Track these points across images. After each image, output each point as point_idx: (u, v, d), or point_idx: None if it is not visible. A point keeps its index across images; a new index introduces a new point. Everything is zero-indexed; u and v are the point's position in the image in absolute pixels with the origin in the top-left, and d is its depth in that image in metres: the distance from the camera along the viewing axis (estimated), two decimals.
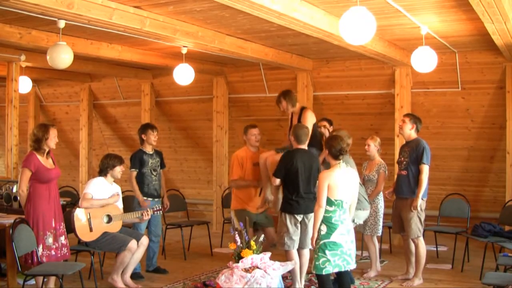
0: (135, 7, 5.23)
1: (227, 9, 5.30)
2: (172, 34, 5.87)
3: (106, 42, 7.29)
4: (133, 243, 5.71)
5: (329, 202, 4.74)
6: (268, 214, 6.19)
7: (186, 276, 6.48)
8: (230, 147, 9.65)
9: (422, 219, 5.97)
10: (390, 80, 8.38)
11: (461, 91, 7.99)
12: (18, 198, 5.54)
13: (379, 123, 8.77)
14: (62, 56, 5.75)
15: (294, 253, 5.45)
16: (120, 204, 5.95)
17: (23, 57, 7.61)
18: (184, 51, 7.15)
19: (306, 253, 5.55)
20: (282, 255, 5.53)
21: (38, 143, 5.13)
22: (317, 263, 4.76)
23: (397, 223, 6.20)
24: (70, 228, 5.55)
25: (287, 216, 5.41)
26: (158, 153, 6.71)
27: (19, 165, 6.73)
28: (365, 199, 6.04)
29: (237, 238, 5.04)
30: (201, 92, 10.11)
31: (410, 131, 6.07)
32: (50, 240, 5.10)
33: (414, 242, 6.00)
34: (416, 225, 5.92)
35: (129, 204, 6.60)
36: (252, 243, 5.01)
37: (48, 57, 5.77)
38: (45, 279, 5.13)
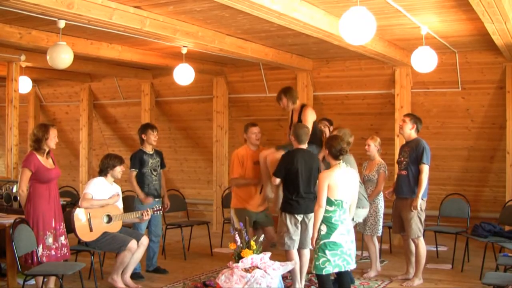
0: (135, 7, 5.23)
1: (227, 9, 5.30)
2: (172, 34, 5.87)
3: (106, 42, 7.29)
4: (133, 243, 5.71)
5: (329, 202, 4.74)
6: (268, 213, 6.19)
7: (186, 276, 6.48)
8: (230, 147, 9.65)
9: (422, 219, 5.97)
10: (390, 80, 8.38)
11: (461, 91, 7.99)
12: (18, 198, 5.54)
13: (379, 123, 8.77)
14: (62, 56, 5.75)
15: (294, 253, 5.45)
16: (120, 204, 5.95)
17: (23, 57, 7.61)
18: (184, 51, 7.15)
19: (307, 253, 5.55)
20: (282, 255, 5.53)
21: (38, 143, 5.13)
22: (317, 263, 4.76)
23: (397, 223, 6.20)
24: (70, 228, 5.56)
25: (287, 216, 5.41)
26: (158, 153, 6.71)
27: (19, 165, 6.73)
28: (364, 197, 6.04)
29: (237, 238, 5.04)
30: (201, 92, 10.11)
31: (410, 131, 6.07)
32: (50, 240, 5.10)
33: (414, 242, 6.00)
34: (416, 225, 5.92)
35: (129, 204, 6.61)
36: (252, 243, 5.01)
37: (48, 57, 5.77)
38: (45, 279, 5.13)
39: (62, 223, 5.29)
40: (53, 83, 11.51)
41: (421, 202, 5.89)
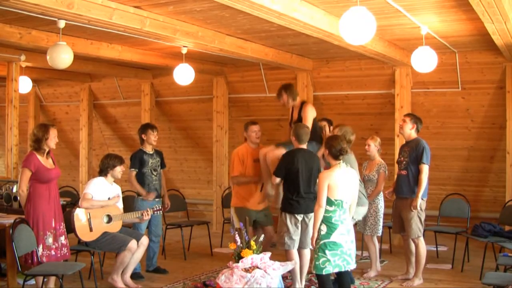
0: (135, 7, 5.23)
1: (227, 9, 5.30)
2: (172, 34, 5.87)
3: (106, 42, 7.29)
4: (133, 243, 5.71)
5: (329, 202, 4.74)
6: (267, 213, 6.18)
7: (186, 276, 6.48)
8: (230, 147, 9.64)
9: (422, 219, 5.97)
10: (390, 80, 8.38)
11: (461, 91, 7.99)
12: (18, 198, 5.54)
13: (379, 123, 8.77)
14: (62, 56, 5.75)
15: (294, 253, 5.45)
16: (120, 204, 5.95)
17: (23, 57, 7.61)
18: (184, 51, 7.15)
19: (307, 253, 5.55)
20: (282, 255, 5.53)
21: (38, 143, 5.13)
22: (317, 263, 4.76)
23: (397, 223, 6.20)
24: (70, 228, 5.56)
25: (288, 216, 5.42)
26: (159, 153, 6.71)
27: (19, 165, 6.73)
28: (364, 195, 6.02)
29: (237, 238, 5.04)
30: (201, 92, 10.11)
31: (410, 131, 6.07)
32: (50, 240, 5.10)
33: (414, 242, 6.00)
34: (416, 225, 5.92)
35: (129, 204, 6.61)
36: (252, 243, 5.01)
37: (48, 57, 5.77)
38: (45, 279, 5.13)
39: (62, 223, 5.28)
40: (53, 83, 11.51)
41: (421, 202, 5.89)
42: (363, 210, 6.04)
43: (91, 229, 5.66)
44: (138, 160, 6.42)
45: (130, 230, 6.11)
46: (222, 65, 9.38)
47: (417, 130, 6.10)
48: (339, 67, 8.66)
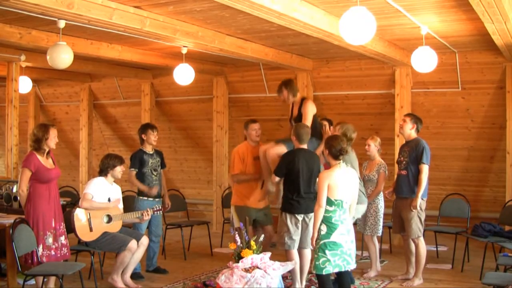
0: (135, 7, 5.23)
1: (227, 9, 5.30)
2: (172, 34, 5.87)
3: (106, 42, 7.29)
4: (133, 243, 5.71)
5: (329, 202, 4.74)
6: (268, 212, 6.18)
7: (186, 276, 6.48)
8: (230, 147, 9.64)
9: (422, 219, 5.97)
10: (390, 80, 8.38)
11: (461, 91, 7.99)
12: (18, 198, 5.54)
13: (379, 123, 8.77)
14: (62, 56, 5.75)
15: (295, 253, 5.45)
16: (120, 204, 5.95)
17: (23, 57, 7.61)
18: (184, 51, 7.15)
19: (308, 253, 5.54)
20: (282, 255, 5.52)
21: (38, 143, 5.13)
22: (317, 263, 4.76)
23: (397, 223, 6.20)
24: (70, 228, 5.55)
25: (288, 216, 5.41)
26: (159, 153, 6.70)
27: (19, 165, 6.74)
28: (363, 193, 6.01)
29: (237, 238, 5.04)
30: (201, 92, 10.11)
31: (410, 131, 6.07)
32: (50, 240, 5.10)
33: (414, 242, 6.00)
34: (417, 225, 5.92)
35: (129, 204, 6.61)
36: (252, 243, 5.01)
37: (48, 57, 5.77)
38: (45, 279, 5.13)
39: (62, 223, 5.28)
40: (53, 83, 11.51)
41: (421, 202, 5.89)
42: (362, 208, 6.03)
43: (91, 229, 5.66)
44: (138, 160, 6.42)
45: (130, 230, 6.11)
46: (222, 65, 9.38)
47: (417, 130, 6.10)
48: (339, 67, 8.66)
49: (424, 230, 6.26)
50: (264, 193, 6.01)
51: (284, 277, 5.61)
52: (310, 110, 5.94)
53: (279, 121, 9.28)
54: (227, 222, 8.07)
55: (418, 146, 5.92)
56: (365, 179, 6.48)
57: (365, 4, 4.49)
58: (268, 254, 5.07)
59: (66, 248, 5.26)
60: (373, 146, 6.52)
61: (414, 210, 5.88)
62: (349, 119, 8.67)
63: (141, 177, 6.41)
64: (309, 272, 5.74)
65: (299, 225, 5.43)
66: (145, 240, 5.94)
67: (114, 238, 5.71)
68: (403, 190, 6.03)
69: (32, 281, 5.34)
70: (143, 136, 6.50)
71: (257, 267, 4.87)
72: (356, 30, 4.34)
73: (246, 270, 4.83)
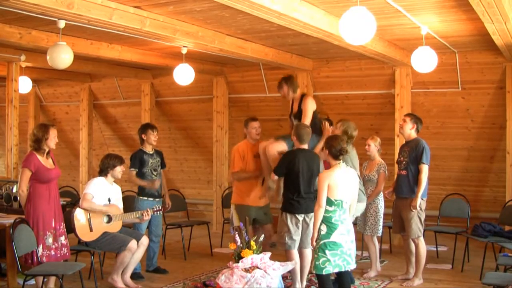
0: (135, 7, 5.23)
1: (227, 9, 5.30)
2: (172, 34, 5.87)
3: (106, 42, 7.29)
4: (133, 243, 5.71)
5: (329, 202, 4.73)
6: (268, 211, 6.17)
7: (186, 276, 6.48)
8: (230, 147, 9.61)
9: (422, 219, 5.97)
10: (390, 80, 8.38)
11: (461, 91, 7.99)
12: (18, 198, 5.54)
13: (379, 123, 8.77)
14: (62, 56, 5.75)
15: (295, 253, 5.45)
16: (120, 204, 5.95)
17: (23, 57, 7.61)
18: (184, 51, 7.15)
19: (308, 253, 5.53)
20: (282, 255, 5.52)
21: (38, 143, 5.13)
22: (317, 263, 4.76)
23: (397, 223, 6.20)
24: (70, 228, 5.55)
25: (288, 216, 5.41)
26: (159, 153, 6.70)
27: (19, 165, 6.74)
28: (362, 191, 6.01)
29: (237, 238, 5.04)
30: (201, 92, 10.11)
31: (410, 131, 6.07)
32: (50, 240, 5.10)
33: (414, 242, 6.00)
34: (417, 225, 5.92)
35: (129, 204, 6.60)
36: (252, 243, 5.01)
37: (48, 57, 5.77)
38: (45, 279, 5.13)
39: (62, 223, 5.28)
40: (53, 83, 11.51)
41: (421, 201, 5.89)
42: (361, 207, 6.02)
43: (91, 229, 5.66)
44: (138, 160, 6.42)
45: (130, 230, 6.11)
46: (222, 65, 9.38)
47: (417, 130, 6.10)
48: (339, 67, 8.66)
49: (424, 230, 6.26)
50: (264, 190, 5.99)
51: (284, 277, 5.61)
52: (310, 106, 5.94)
53: (279, 121, 9.27)
54: (227, 222, 8.06)
55: (418, 146, 5.92)
56: (365, 179, 6.48)
57: (365, 4, 4.49)
58: (268, 254, 5.07)
59: (66, 248, 5.27)
60: (373, 146, 6.52)
61: (414, 210, 5.88)
62: (349, 119, 8.70)
63: (141, 177, 6.41)
64: (309, 272, 5.74)
65: (300, 225, 5.43)
66: (145, 240, 5.94)
67: (114, 238, 5.71)
68: (403, 190, 6.03)
69: (32, 281, 5.34)
70: (143, 136, 6.50)
71: (257, 267, 4.87)
72: (356, 30, 4.34)
73: (246, 270, 4.83)
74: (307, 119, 5.88)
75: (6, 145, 7.79)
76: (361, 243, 7.02)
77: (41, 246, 5.03)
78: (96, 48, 7.19)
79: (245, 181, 6.09)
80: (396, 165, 6.73)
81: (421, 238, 5.97)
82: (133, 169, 6.40)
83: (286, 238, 5.40)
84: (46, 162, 5.17)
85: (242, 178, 6.11)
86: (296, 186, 5.38)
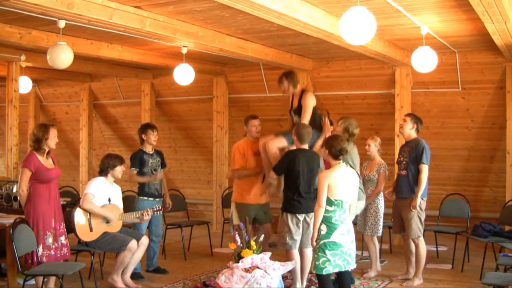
0: (135, 7, 5.23)
1: (227, 9, 5.30)
2: (172, 34, 5.87)
3: (106, 42, 7.29)
4: (133, 243, 5.71)
5: (329, 202, 4.73)
6: (267, 210, 6.16)
7: (186, 276, 6.48)
8: (230, 147, 9.62)
9: (422, 219, 5.97)
10: (390, 80, 8.38)
11: (461, 91, 7.99)
12: (18, 198, 5.54)
13: (379, 123, 8.77)
14: (62, 56, 5.75)
15: (295, 253, 5.44)
16: (120, 204, 5.95)
17: (23, 57, 7.61)
18: (184, 51, 7.15)
19: (309, 252, 5.51)
20: (282, 255, 5.53)
21: (38, 143, 5.13)
22: (317, 263, 4.76)
23: (397, 223, 6.20)
24: (70, 228, 5.55)
25: (289, 216, 5.41)
26: (159, 153, 6.70)
27: (19, 165, 6.74)
28: (361, 190, 5.99)
29: (237, 238, 5.03)
30: (201, 92, 10.11)
31: (410, 131, 6.07)
32: (50, 240, 5.10)
33: (414, 242, 6.00)
34: (417, 225, 5.92)
35: (129, 204, 6.60)
36: (252, 243, 5.01)
37: (48, 57, 5.77)
38: (45, 279, 5.13)
39: (62, 223, 5.28)
40: (53, 83, 11.51)
41: (421, 201, 5.89)
42: (361, 205, 6.02)
43: (91, 229, 5.66)
44: (138, 160, 6.42)
45: (130, 230, 6.11)
46: (222, 65, 9.38)
47: (417, 130, 6.10)
48: (339, 67, 8.66)
49: (424, 230, 6.26)
50: (265, 187, 5.98)
51: (284, 277, 5.61)
52: (310, 102, 5.93)
53: (279, 121, 9.27)
54: (227, 222, 8.06)
55: (418, 146, 5.92)
56: (365, 179, 6.48)
57: (365, 4, 4.49)
58: (268, 254, 5.07)
59: (66, 248, 5.27)
60: (373, 146, 6.52)
61: (414, 210, 5.88)
62: (350, 116, 8.72)
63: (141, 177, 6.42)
64: (309, 272, 5.73)
65: (300, 225, 5.43)
66: (145, 240, 5.94)
67: (114, 238, 5.71)
68: (403, 190, 6.03)
69: (32, 281, 5.34)
70: (143, 136, 6.50)
71: (257, 267, 4.86)
72: (356, 30, 4.34)
73: (246, 270, 4.83)
74: (307, 115, 5.87)
75: (6, 145, 7.79)
76: (361, 243, 7.02)
77: (41, 246, 5.03)
78: (96, 48, 7.19)
79: (245, 179, 6.09)
80: (396, 165, 6.73)
81: (421, 238, 5.97)
82: (133, 168, 6.40)
83: (287, 238, 5.40)
84: (46, 162, 5.17)
85: (242, 176, 6.11)
86: (296, 186, 5.38)
